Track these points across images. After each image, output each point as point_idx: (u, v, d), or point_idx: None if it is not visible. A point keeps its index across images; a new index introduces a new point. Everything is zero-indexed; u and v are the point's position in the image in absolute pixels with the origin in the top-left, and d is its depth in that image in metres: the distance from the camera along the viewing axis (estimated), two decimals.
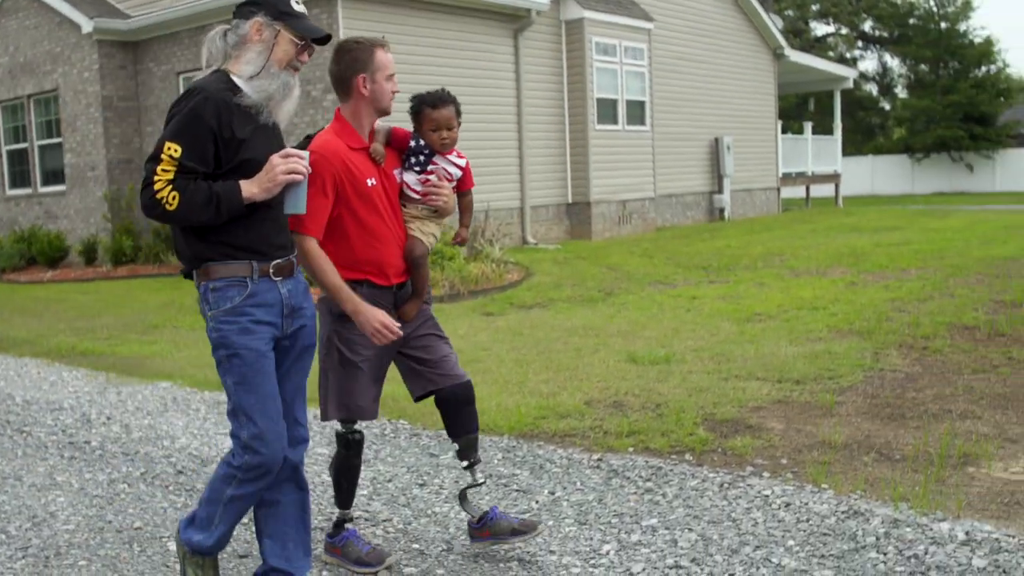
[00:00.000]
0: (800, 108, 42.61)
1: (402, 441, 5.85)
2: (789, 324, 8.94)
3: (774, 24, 24.35)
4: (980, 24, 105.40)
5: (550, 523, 4.37)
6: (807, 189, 28.03)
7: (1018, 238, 16.30)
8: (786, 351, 7.69)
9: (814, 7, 47.32)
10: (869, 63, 58.94)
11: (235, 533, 4.46)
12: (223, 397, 7.08)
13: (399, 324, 3.75)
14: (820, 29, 48.02)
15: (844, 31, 47.59)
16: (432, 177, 3.91)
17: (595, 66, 18.20)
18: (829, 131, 29.84)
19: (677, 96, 20.95)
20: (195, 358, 8.76)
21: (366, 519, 4.56)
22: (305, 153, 3.37)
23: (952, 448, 5.04)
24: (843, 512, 4.23)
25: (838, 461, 4.98)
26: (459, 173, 4.00)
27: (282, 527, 3.58)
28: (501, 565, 3.97)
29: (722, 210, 22.32)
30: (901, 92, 50.39)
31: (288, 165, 3.27)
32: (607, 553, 4.02)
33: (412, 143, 3.92)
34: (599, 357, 7.83)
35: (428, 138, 3.90)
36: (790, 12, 44.13)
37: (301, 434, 3.60)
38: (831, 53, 44.69)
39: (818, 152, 27.69)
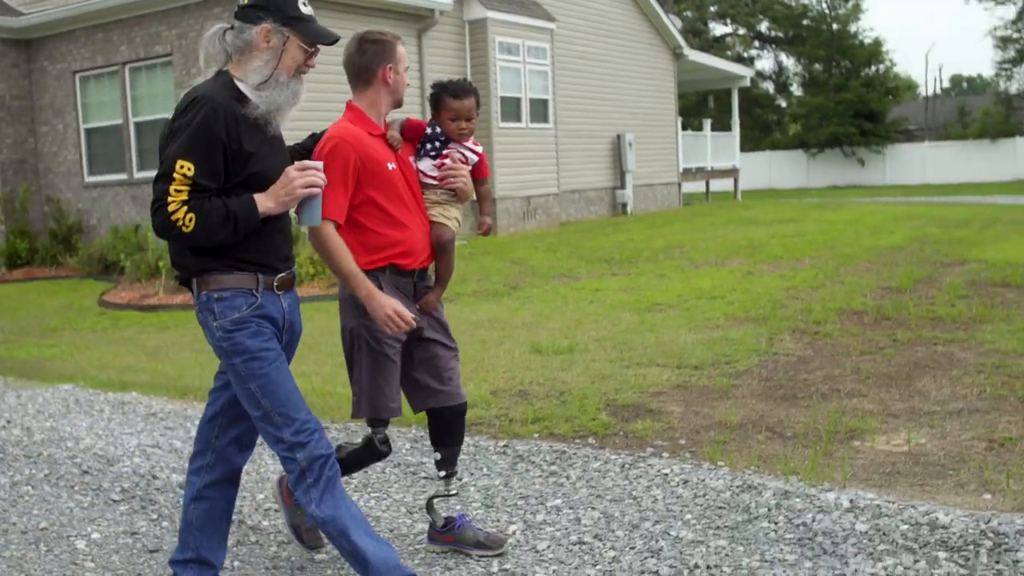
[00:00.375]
0: (700, 106, 43.51)
1: None
2: (688, 313, 9.21)
3: (673, 25, 24.84)
4: (869, 26, 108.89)
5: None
6: (707, 184, 28.63)
7: (904, 228, 16.95)
8: (685, 339, 7.93)
9: (712, 8, 48.31)
10: (766, 62, 60.35)
11: (144, 529, 4.48)
12: (128, 397, 7.04)
13: (415, 315, 3.72)
14: (719, 29, 49.12)
15: (741, 31, 48.73)
16: (447, 161, 3.91)
17: (498, 65, 18.36)
18: (728, 128, 30.50)
19: (580, 94, 21.24)
20: (97, 360, 8.66)
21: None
22: (320, 164, 3.33)
23: (839, 424, 5.31)
24: (737, 487, 4.43)
25: (733, 440, 5.19)
26: (475, 158, 4.00)
27: (214, 522, 3.56)
28: (411, 548, 4.07)
29: (624, 205, 22.69)
30: (797, 90, 51.84)
31: (306, 179, 3.22)
32: (513, 533, 4.15)
33: (428, 130, 3.93)
34: (504, 349, 7.98)
35: (446, 127, 3.90)
36: (689, 13, 44.96)
37: (254, 440, 3.63)
38: (729, 53, 45.71)
39: (717, 148, 28.34)
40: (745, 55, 48.66)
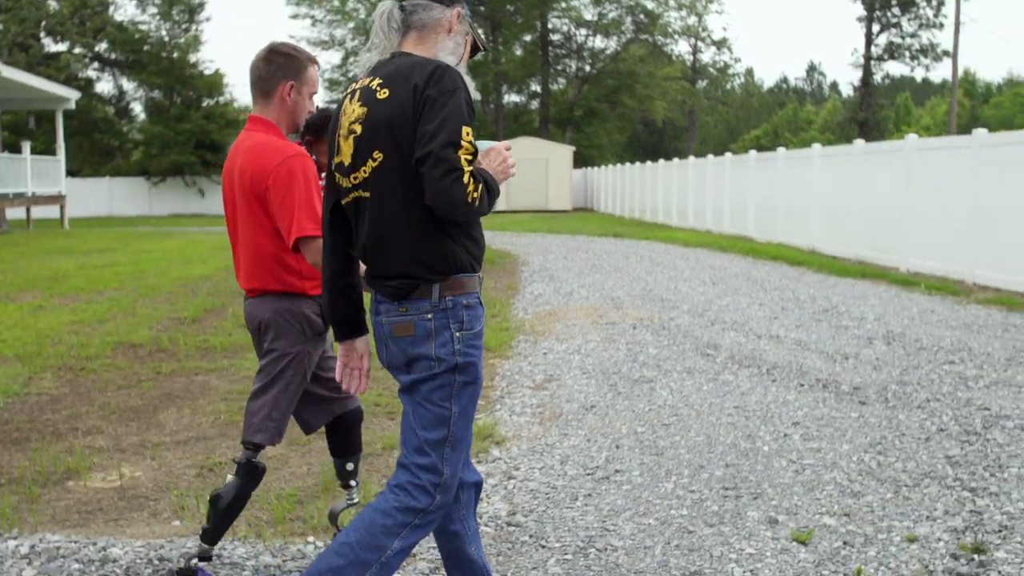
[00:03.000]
0: (24, 126, 40.77)
1: None
2: None
3: None
4: (210, 57, 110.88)
5: None
6: (28, 210, 26.87)
7: (219, 258, 17.40)
8: None
9: (43, 23, 45.59)
10: (107, 85, 58.56)
11: None
12: None
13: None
14: (54, 47, 46.48)
15: (78, 50, 46.65)
16: None
17: None
18: (55, 152, 28.95)
19: None
20: None
21: None
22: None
23: (59, 465, 5.17)
24: None
25: None
26: None
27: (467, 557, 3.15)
28: None
29: None
30: (141, 116, 50.98)
31: (511, 159, 2.88)
32: None
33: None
34: None
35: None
36: (14, 27, 41.92)
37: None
38: (65, 71, 43.41)
39: (41, 172, 26.75)
40: (82, 75, 46.66)
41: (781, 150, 21.59)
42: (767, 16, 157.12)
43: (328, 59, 52.93)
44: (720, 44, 58.98)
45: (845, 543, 4.03)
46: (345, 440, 3.88)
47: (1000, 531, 4.10)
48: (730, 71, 63.83)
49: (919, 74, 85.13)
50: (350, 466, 3.89)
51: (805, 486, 4.76)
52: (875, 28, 51.74)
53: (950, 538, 4.04)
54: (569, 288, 13.05)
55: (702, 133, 72.11)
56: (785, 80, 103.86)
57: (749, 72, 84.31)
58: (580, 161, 49.09)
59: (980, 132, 13.15)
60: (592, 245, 21.31)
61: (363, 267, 2.94)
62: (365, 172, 2.77)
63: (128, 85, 49.96)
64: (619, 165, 38.74)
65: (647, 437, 5.72)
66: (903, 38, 51.45)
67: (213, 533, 3.55)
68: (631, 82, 52.27)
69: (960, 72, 55.89)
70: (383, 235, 2.77)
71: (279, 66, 3.53)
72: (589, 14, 53.49)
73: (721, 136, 76.59)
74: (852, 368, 7.45)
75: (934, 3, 50.85)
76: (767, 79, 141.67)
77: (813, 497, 4.60)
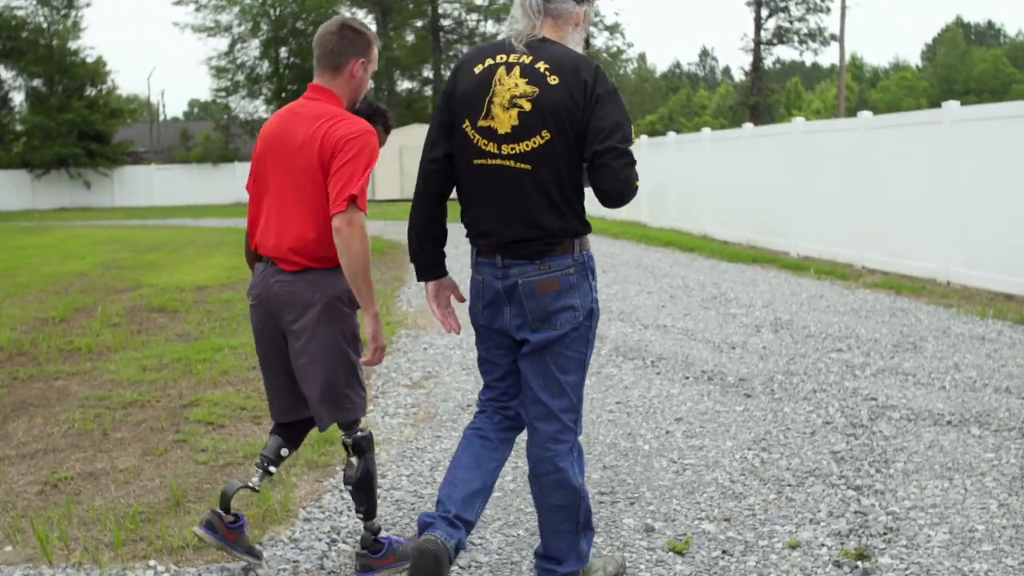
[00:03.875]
0: None
1: None
2: None
3: None
4: (91, 44, 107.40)
5: None
6: None
7: (98, 253, 16.67)
8: None
9: None
10: None
11: None
12: None
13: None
14: None
15: None
16: None
17: None
18: None
19: None
20: None
21: None
22: None
23: None
24: None
25: None
26: None
27: None
28: None
29: None
30: (22, 106, 48.90)
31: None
32: None
33: None
34: None
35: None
36: None
37: None
38: None
39: None
40: None
41: (672, 135, 21.58)
42: (660, 1, 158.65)
43: (214, 46, 51.55)
44: (613, 29, 58.91)
45: (724, 552, 3.77)
46: (304, 430, 3.82)
47: (885, 533, 3.89)
48: (623, 56, 64.02)
49: (808, 58, 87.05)
50: (285, 452, 3.75)
51: (685, 488, 4.50)
52: (764, 12, 52.38)
53: (833, 543, 3.81)
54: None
55: None
56: (678, 65, 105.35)
57: (642, 57, 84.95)
58: None
59: (865, 115, 13.19)
60: None
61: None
62: (528, 146, 3.05)
63: (7, 74, 47.89)
64: None
65: (522, 438, 5.40)
66: (791, 22, 52.22)
67: (368, 512, 3.63)
68: None
69: (848, 57, 57.17)
70: (535, 202, 3.09)
71: (351, 42, 3.52)
72: None
73: None
74: (739, 358, 7.26)
75: None
76: (660, 64, 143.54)
77: (693, 501, 4.34)
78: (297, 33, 48.11)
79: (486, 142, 3.08)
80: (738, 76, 69.29)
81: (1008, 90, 67.43)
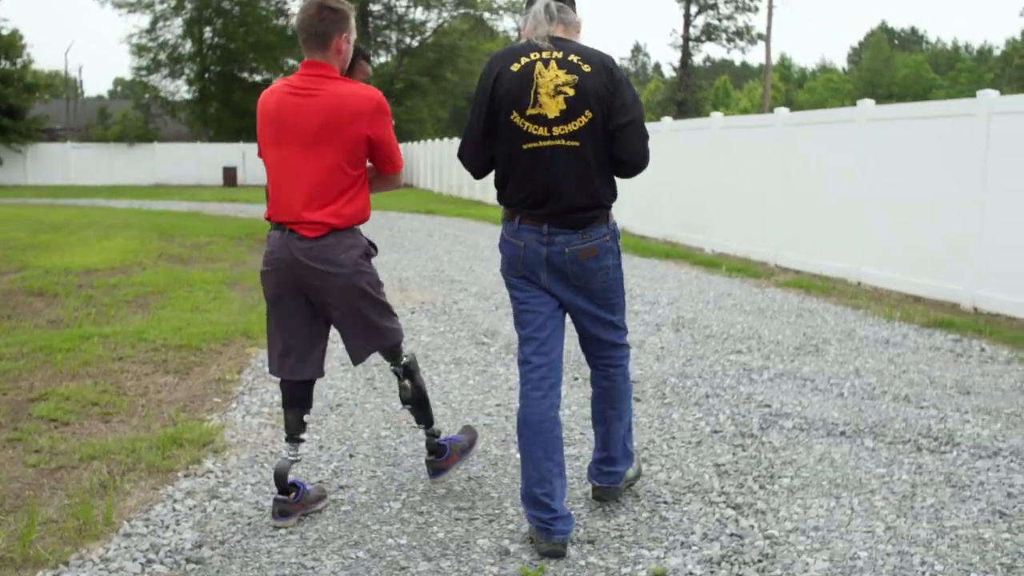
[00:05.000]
0: None
1: None
2: None
3: None
4: (5, 16, 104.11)
5: None
6: None
7: None
8: None
9: None
10: None
11: None
12: None
13: None
14: None
15: None
16: None
17: None
18: None
19: None
20: None
21: None
22: None
23: None
24: None
25: None
26: None
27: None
28: None
29: None
30: None
31: None
32: None
33: None
34: None
35: None
36: None
37: None
38: None
39: None
40: None
41: None
42: None
43: (135, 22, 50.12)
44: None
45: None
46: (311, 386, 4.06)
47: (760, 560, 3.54)
48: None
49: (736, 57, 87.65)
50: (306, 417, 4.06)
51: None
52: (693, 9, 52.50)
53: (703, 572, 3.45)
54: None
55: None
56: None
57: None
58: (401, 136, 48.04)
59: (782, 111, 12.99)
60: (400, 223, 20.50)
61: None
62: (576, 126, 3.55)
63: None
64: (437, 140, 37.92)
65: (388, 443, 5.00)
66: (720, 20, 52.38)
67: (428, 422, 4.26)
68: (453, 56, 51.44)
69: (777, 57, 57.52)
70: (583, 175, 3.60)
71: (332, 21, 3.79)
72: None
73: None
74: (634, 359, 6.90)
75: None
76: None
77: None
78: (222, 12, 47.01)
79: (536, 127, 3.55)
80: (668, 73, 69.43)
81: (929, 94, 68.64)
